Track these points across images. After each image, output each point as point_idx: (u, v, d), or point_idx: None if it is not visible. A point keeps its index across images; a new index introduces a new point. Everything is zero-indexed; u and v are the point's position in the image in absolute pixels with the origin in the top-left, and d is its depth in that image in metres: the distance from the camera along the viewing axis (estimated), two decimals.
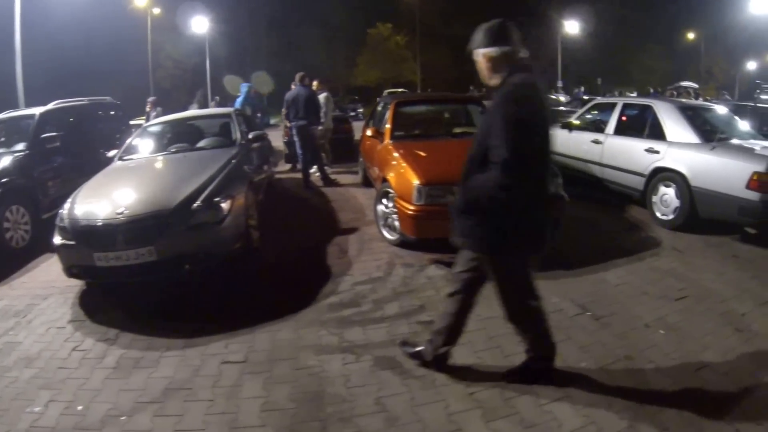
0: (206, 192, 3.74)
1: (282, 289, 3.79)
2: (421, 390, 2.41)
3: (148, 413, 2.32)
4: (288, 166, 9.21)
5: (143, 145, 5.47)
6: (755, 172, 4.25)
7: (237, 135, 5.45)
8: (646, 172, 5.19)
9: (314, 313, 3.26)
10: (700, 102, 8.64)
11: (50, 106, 6.38)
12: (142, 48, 24.72)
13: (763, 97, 13.94)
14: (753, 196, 4.25)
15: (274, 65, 34.74)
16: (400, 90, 24.21)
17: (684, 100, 8.90)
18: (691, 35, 38.48)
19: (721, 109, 5.83)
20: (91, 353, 2.93)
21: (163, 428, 2.22)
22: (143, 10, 24.89)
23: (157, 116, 9.63)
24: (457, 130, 5.63)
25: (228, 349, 2.84)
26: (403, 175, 4.23)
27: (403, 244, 4.40)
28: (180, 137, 5.65)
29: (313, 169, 7.64)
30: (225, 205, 3.72)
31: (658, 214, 5.08)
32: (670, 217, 4.93)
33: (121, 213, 3.42)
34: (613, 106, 6.10)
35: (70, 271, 3.60)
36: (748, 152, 4.52)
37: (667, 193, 4.97)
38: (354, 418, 2.24)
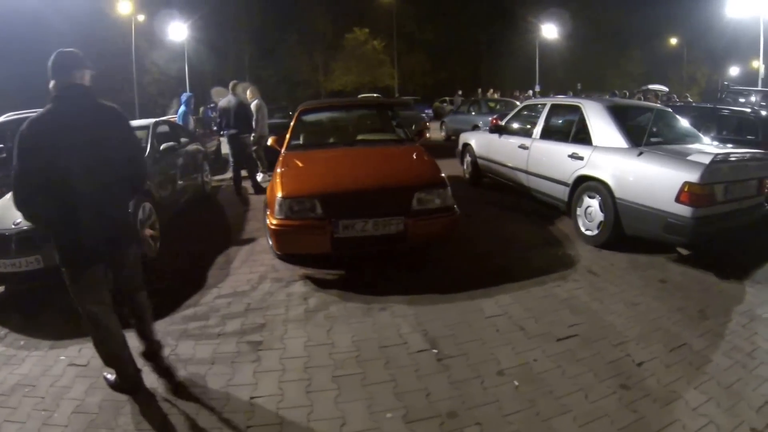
0: None
1: (155, 298, 3.71)
2: (193, 416, 2.29)
3: None
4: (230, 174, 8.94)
5: None
6: (686, 183, 3.59)
7: (148, 148, 5.48)
8: (570, 180, 4.56)
9: (166, 324, 3.21)
10: (637, 101, 8.01)
11: (1, 118, 6.74)
12: (128, 54, 24.70)
13: (741, 100, 13.24)
14: (683, 211, 3.60)
15: (256, 72, 34.45)
16: (375, 95, 23.60)
17: (620, 99, 8.25)
18: (673, 41, 38.10)
19: (662, 111, 5.20)
20: None
21: None
22: (128, 17, 25.01)
23: None
24: (360, 137, 5.15)
25: (80, 353, 2.92)
26: (273, 187, 3.92)
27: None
28: None
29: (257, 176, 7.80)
30: None
31: (583, 229, 4.44)
32: (595, 232, 4.29)
33: (17, 224, 3.70)
34: (542, 107, 5.48)
35: None
36: (680, 159, 3.82)
37: (592, 205, 4.33)
38: None
